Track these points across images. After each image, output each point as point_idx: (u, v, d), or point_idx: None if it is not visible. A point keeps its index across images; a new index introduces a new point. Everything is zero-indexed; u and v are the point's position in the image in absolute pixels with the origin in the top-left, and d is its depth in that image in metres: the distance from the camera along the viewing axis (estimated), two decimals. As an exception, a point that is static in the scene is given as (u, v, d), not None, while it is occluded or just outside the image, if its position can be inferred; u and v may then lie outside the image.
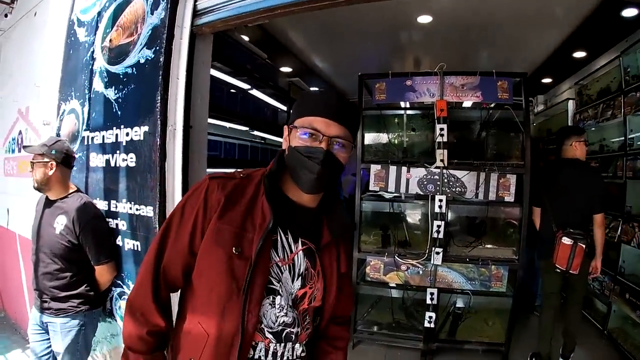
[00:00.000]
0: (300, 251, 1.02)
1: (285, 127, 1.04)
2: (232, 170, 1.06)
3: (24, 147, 1.94)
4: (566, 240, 2.61)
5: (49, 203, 2.04)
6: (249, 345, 0.96)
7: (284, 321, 1.00)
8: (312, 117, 0.97)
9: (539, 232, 2.95)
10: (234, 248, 0.94)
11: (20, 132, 3.24)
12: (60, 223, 1.95)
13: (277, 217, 0.96)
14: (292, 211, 1.03)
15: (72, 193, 2.06)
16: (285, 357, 1.01)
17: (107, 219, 2.20)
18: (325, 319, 1.11)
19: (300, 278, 1.02)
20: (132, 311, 1.00)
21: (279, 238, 1.00)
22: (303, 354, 1.06)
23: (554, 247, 2.69)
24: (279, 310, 0.99)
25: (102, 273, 2.07)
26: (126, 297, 2.20)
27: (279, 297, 0.99)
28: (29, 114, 3.10)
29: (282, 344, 1.00)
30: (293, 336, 1.02)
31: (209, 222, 0.96)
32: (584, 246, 2.58)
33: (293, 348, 1.03)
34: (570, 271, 2.62)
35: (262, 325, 0.97)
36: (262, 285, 0.96)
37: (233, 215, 0.96)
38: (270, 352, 0.99)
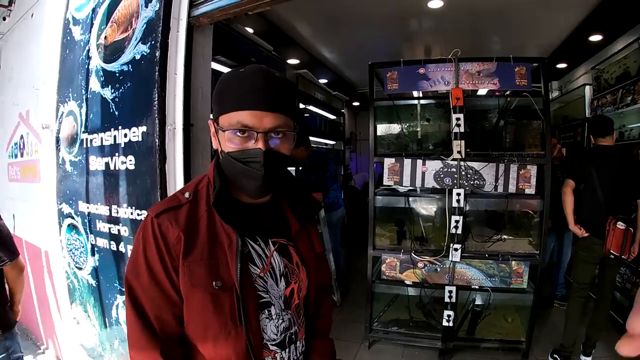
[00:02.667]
0: (274, 252, 0.94)
1: (210, 122, 0.89)
2: (172, 195, 0.93)
3: None
4: (620, 225, 2.61)
5: None
6: None
7: (284, 327, 0.94)
8: (238, 111, 0.81)
9: (581, 218, 2.87)
10: (213, 283, 0.83)
11: (22, 137, 3.18)
12: None
13: (240, 230, 0.86)
14: (250, 215, 0.93)
15: None
16: None
17: (109, 225, 2.11)
18: (311, 300, 1.04)
19: (282, 278, 0.94)
20: None
21: (250, 249, 0.89)
22: (303, 349, 1.02)
23: (603, 233, 2.67)
24: (277, 320, 0.92)
25: (17, 272, 1.81)
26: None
27: (272, 307, 0.91)
28: (30, 118, 3.03)
29: (287, 349, 0.95)
30: (294, 337, 0.97)
31: (178, 262, 0.83)
32: (632, 230, 2.62)
33: (296, 348, 0.98)
34: (622, 256, 2.64)
35: (265, 341, 0.91)
36: (255, 308, 0.88)
37: (198, 247, 0.84)
38: None
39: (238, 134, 0.82)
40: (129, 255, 0.89)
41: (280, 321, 0.93)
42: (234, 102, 0.82)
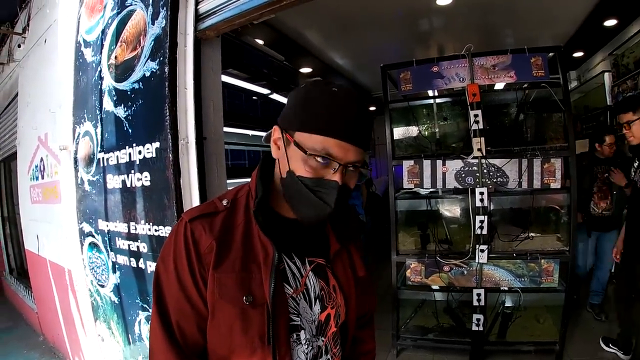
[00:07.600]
0: (310, 272, 0.87)
1: (276, 128, 0.83)
2: (210, 200, 0.88)
3: None
4: None
5: None
6: None
7: (313, 355, 0.85)
8: (323, 136, 0.75)
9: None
10: (244, 297, 0.78)
11: (41, 159, 3.24)
12: None
13: (278, 245, 0.80)
14: (290, 230, 0.87)
15: None
16: None
17: (129, 242, 2.11)
18: (351, 330, 0.96)
19: (317, 301, 0.86)
20: None
21: (285, 266, 0.84)
22: None
23: None
24: (306, 347, 0.84)
25: None
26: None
27: (302, 331, 0.84)
28: (48, 141, 3.09)
29: None
30: None
31: (208, 272, 0.79)
32: None
33: None
34: None
35: None
36: (286, 329, 0.81)
37: (231, 258, 0.80)
38: None
39: (319, 159, 0.76)
40: (157, 261, 0.85)
41: (310, 348, 0.85)
42: (324, 125, 0.75)
